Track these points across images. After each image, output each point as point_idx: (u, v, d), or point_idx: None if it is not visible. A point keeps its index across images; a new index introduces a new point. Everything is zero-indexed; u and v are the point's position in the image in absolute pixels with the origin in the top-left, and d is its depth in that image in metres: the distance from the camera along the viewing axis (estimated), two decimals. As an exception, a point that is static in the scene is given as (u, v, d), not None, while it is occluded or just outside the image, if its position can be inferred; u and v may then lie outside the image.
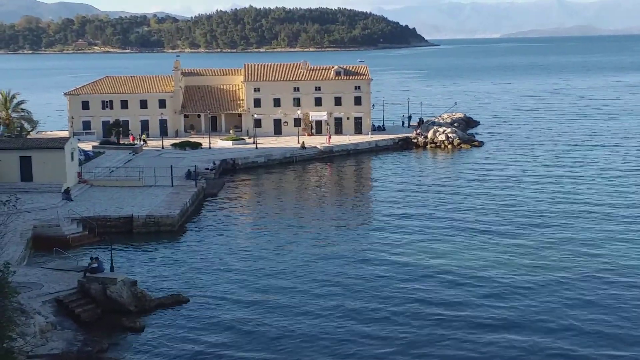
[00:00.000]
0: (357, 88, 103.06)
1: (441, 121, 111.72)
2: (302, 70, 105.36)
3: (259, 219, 61.41)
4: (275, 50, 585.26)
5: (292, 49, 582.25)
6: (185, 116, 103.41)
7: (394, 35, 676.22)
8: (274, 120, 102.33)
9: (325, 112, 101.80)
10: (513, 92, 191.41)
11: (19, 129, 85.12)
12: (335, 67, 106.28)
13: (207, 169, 77.83)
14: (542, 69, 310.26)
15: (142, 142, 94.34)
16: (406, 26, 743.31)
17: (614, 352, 34.10)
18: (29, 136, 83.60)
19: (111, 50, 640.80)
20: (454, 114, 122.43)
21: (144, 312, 39.57)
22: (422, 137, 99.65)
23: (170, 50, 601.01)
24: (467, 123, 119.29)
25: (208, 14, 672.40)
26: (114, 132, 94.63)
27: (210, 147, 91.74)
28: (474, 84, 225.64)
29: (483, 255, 48.62)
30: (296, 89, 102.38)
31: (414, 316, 38.37)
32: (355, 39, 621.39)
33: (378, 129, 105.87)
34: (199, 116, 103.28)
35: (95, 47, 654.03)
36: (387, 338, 35.82)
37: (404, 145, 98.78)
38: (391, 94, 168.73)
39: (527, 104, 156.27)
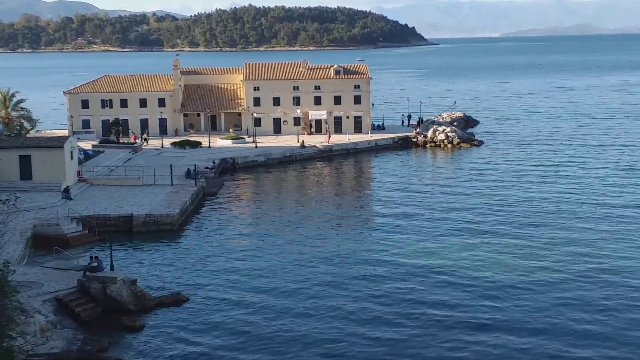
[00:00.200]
0: (357, 87, 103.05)
1: (441, 120, 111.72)
2: (301, 69, 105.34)
3: (259, 218, 61.40)
4: (274, 49, 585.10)
5: (292, 48, 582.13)
6: (185, 115, 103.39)
7: (393, 34, 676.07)
8: (274, 119, 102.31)
9: (325, 111, 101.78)
10: (512, 91, 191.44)
11: (18, 127, 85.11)
12: (335, 66, 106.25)
13: (206, 168, 77.81)
14: (541, 68, 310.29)
15: (143, 141, 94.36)
16: (405, 25, 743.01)
17: (610, 353, 33.96)
18: (28, 135, 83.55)
19: (110, 49, 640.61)
20: (453, 113, 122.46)
21: (144, 311, 39.56)
22: (422, 136, 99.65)
23: (169, 49, 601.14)
24: (467, 122, 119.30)
25: (207, 12, 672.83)
26: (113, 131, 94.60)
27: (209, 146, 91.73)
28: (473, 83, 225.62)
29: (482, 255, 48.50)
30: (296, 88, 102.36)
31: (413, 317, 38.26)
32: (355, 37, 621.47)
33: (377, 128, 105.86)
34: (198, 115, 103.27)
35: (95, 46, 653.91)
36: (388, 339, 35.70)
37: (404, 145, 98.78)
38: (390, 93, 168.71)
39: (527, 103, 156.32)
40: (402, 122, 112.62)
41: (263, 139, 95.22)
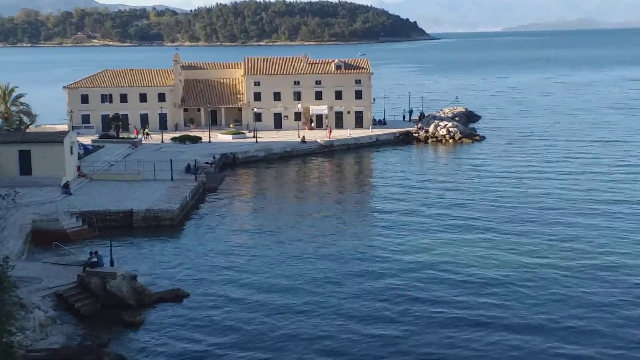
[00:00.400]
0: (358, 82, 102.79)
1: (442, 115, 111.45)
2: (302, 63, 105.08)
3: (259, 213, 61.26)
4: (275, 43, 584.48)
5: (293, 43, 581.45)
6: (185, 110, 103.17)
7: (395, 29, 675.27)
8: (274, 114, 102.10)
9: (326, 106, 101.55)
10: (514, 86, 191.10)
11: (18, 122, 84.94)
12: (336, 60, 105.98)
13: (207, 163, 77.64)
14: (543, 62, 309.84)
15: (144, 136, 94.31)
16: (407, 20, 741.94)
17: (609, 351, 33.77)
18: (28, 130, 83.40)
19: (110, 43, 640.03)
20: (455, 108, 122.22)
21: (144, 306, 39.49)
22: (423, 131, 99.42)
23: (169, 44, 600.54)
24: (468, 117, 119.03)
25: (208, 7, 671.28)
26: (113, 126, 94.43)
27: (210, 141, 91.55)
28: (475, 78, 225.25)
29: (482, 252, 48.21)
30: (296, 83, 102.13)
31: (413, 314, 38.02)
32: (356, 32, 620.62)
33: (379, 123, 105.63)
34: (198, 110, 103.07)
35: (95, 41, 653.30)
36: (389, 336, 35.50)
37: (405, 140, 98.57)
38: (392, 88, 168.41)
39: (528, 98, 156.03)
40: (404, 117, 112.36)
41: (263, 134, 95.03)
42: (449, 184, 70.93)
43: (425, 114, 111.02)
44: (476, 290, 41.32)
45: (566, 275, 43.42)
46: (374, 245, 50.56)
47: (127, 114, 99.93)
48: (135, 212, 56.37)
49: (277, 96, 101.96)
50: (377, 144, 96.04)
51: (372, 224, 56.89)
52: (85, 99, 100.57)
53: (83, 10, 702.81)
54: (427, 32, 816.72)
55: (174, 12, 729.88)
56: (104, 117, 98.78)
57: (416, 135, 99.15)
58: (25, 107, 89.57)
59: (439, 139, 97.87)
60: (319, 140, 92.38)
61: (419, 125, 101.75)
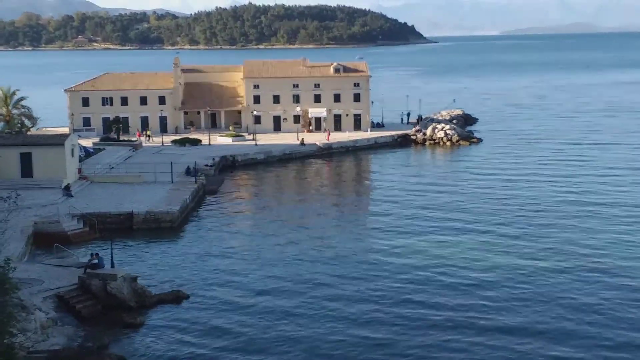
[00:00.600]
0: (356, 85, 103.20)
1: (440, 118, 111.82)
2: (301, 67, 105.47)
3: (259, 216, 61.53)
4: (274, 47, 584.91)
5: (292, 46, 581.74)
6: (185, 113, 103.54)
7: (393, 32, 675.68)
8: (274, 116, 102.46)
9: (325, 109, 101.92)
10: (511, 89, 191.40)
11: (19, 125, 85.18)
12: (335, 64, 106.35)
13: (206, 165, 77.94)
14: (540, 66, 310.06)
15: (147, 138, 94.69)
16: (405, 23, 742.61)
17: (609, 355, 33.94)
18: (29, 133, 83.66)
19: (111, 46, 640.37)
20: (452, 110, 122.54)
21: (144, 308, 39.72)
22: (421, 134, 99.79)
23: (170, 47, 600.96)
24: (466, 120, 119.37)
25: (207, 10, 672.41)
26: (114, 129, 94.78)
27: (209, 144, 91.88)
28: (472, 80, 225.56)
29: (479, 255, 48.12)
30: (295, 86, 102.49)
31: (411, 318, 37.95)
32: (355, 35, 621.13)
33: (377, 125, 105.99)
34: (198, 113, 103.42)
35: (95, 44, 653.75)
36: (387, 341, 35.54)
37: (403, 142, 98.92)
38: (390, 91, 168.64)
39: (526, 101, 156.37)
40: (402, 119, 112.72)
41: (263, 136, 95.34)
42: (446, 186, 71.17)
43: (423, 117, 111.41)
44: (472, 293, 41.38)
45: (562, 279, 43.46)
46: (372, 248, 50.64)
47: (127, 117, 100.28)
48: (135, 214, 56.68)
49: (276, 99, 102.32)
50: (376, 146, 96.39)
51: (370, 227, 57.04)
52: (86, 101, 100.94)
53: (84, 14, 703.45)
54: (425, 35, 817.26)
55: (174, 16, 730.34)
56: (105, 120, 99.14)
57: (414, 137, 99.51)
58: (27, 110, 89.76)
59: (436, 141, 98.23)
60: (317, 143, 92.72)
61: (417, 127, 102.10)
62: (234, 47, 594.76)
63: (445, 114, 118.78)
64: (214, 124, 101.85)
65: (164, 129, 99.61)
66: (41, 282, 40.92)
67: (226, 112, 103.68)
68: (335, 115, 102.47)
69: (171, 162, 70.76)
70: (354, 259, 47.96)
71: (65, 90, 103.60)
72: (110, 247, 44.23)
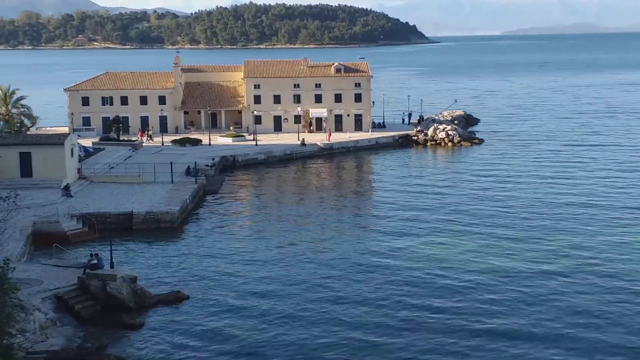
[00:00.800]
0: (357, 85, 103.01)
1: (441, 118, 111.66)
2: (302, 67, 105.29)
3: (259, 216, 61.37)
4: (275, 46, 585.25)
5: (292, 46, 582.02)
6: (185, 112, 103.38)
7: (395, 32, 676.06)
8: (274, 117, 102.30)
9: (326, 109, 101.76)
10: (513, 89, 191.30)
11: (18, 124, 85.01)
12: (336, 64, 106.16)
13: (207, 165, 77.79)
14: (542, 66, 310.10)
15: (148, 138, 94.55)
16: (407, 23, 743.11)
17: (610, 359, 33.78)
18: (28, 132, 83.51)
19: (111, 46, 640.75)
20: (454, 111, 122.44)
21: (144, 308, 39.60)
22: (422, 134, 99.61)
23: (170, 47, 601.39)
24: (467, 120, 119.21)
25: (208, 10, 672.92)
26: (113, 129, 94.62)
27: (210, 144, 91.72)
28: (474, 81, 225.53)
29: (482, 259, 47.67)
30: (296, 86, 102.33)
31: (412, 322, 37.60)
32: (356, 35, 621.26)
33: (378, 126, 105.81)
34: (199, 112, 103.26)
35: (95, 43, 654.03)
36: (388, 345, 35.25)
37: (404, 143, 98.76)
38: (391, 91, 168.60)
39: (528, 102, 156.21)
40: (403, 120, 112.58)
41: (263, 136, 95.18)
42: (447, 187, 70.98)
43: (425, 117, 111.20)
44: (472, 296, 41.02)
45: (562, 282, 43.15)
46: (373, 250, 50.23)
47: (127, 117, 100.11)
48: (135, 214, 56.52)
49: (277, 99, 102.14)
50: (377, 147, 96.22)
51: (371, 229, 56.72)
52: (85, 101, 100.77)
53: (84, 13, 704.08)
54: (426, 35, 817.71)
55: (174, 15, 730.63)
56: (105, 120, 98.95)
57: (415, 138, 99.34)
58: (26, 110, 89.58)
59: (438, 142, 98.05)
60: (318, 143, 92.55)
61: (418, 128, 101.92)
62: (234, 46, 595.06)
63: (446, 114, 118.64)
64: (214, 124, 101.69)
65: (164, 129, 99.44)
66: (40, 282, 40.79)
67: (227, 112, 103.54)
68: (336, 116, 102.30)
69: (171, 162, 70.63)
70: (354, 261, 47.71)
71: (64, 90, 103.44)
72: (110, 248, 44.10)
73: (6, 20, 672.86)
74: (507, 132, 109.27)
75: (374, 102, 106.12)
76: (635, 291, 41.85)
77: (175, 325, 37.64)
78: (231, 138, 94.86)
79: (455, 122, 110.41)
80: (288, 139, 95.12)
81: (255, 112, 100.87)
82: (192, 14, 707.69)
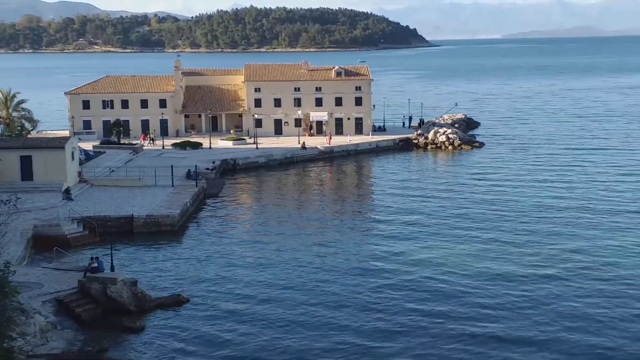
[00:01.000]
0: (358, 88, 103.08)
1: (442, 122, 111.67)
2: (302, 70, 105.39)
3: (260, 220, 61.38)
4: (276, 50, 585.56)
5: (293, 49, 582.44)
6: (186, 116, 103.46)
7: (395, 36, 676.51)
8: (275, 120, 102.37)
9: (326, 113, 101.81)
10: (514, 93, 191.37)
11: (19, 128, 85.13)
12: (336, 67, 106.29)
13: (207, 169, 77.83)
14: (542, 69, 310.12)
15: (150, 141, 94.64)
16: (407, 26, 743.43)
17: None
18: (29, 135, 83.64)
19: (112, 49, 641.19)
20: (454, 114, 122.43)
21: (144, 312, 39.60)
22: (423, 137, 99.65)
23: (171, 50, 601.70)
24: (468, 124, 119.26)
25: (209, 13, 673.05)
26: (114, 132, 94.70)
27: (210, 147, 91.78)
28: (474, 84, 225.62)
29: (481, 263, 47.46)
30: (297, 89, 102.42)
31: (415, 327, 37.45)
32: (356, 39, 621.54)
33: (379, 129, 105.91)
34: (199, 116, 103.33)
35: (96, 47, 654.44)
36: (390, 352, 35.19)
37: (405, 146, 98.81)
38: (392, 95, 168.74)
39: (528, 105, 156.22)
40: (403, 123, 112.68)
41: (264, 140, 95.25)
42: (448, 191, 70.91)
43: (425, 121, 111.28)
44: (471, 301, 40.72)
45: (562, 286, 42.99)
46: (373, 254, 50.04)
47: (128, 120, 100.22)
48: (135, 217, 56.56)
49: (277, 102, 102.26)
50: (377, 150, 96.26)
51: (371, 233, 56.51)
52: (86, 104, 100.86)
53: (85, 16, 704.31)
54: (427, 39, 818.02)
55: (175, 19, 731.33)
56: (105, 123, 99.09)
57: (416, 141, 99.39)
58: (27, 113, 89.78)
59: (438, 145, 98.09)
60: (319, 147, 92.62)
61: (419, 131, 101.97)
62: (235, 50, 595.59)
63: (447, 117, 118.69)
64: (214, 127, 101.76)
65: (164, 132, 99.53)
66: (41, 285, 40.79)
67: (227, 115, 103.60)
68: (336, 119, 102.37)
69: (172, 166, 70.68)
70: (354, 266, 47.56)
71: (65, 93, 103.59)
72: (110, 251, 44.15)
73: (7, 24, 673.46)
74: (507, 136, 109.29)
75: (374, 106, 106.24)
76: (633, 295, 41.74)
77: (176, 328, 37.65)
78: (232, 141, 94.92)
79: (456, 125, 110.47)
80: (288, 142, 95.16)
81: (256, 116, 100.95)
82: (192, 17, 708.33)
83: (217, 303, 40.99)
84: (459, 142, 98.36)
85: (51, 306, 38.42)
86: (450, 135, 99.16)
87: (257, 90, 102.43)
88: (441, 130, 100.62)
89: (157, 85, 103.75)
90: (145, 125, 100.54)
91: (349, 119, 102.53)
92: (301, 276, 45.54)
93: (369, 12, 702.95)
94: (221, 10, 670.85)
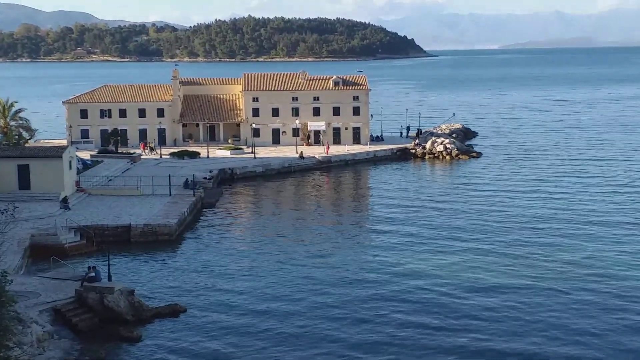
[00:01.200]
0: (356, 98, 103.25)
1: (439, 132, 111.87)
2: (300, 80, 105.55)
3: (257, 229, 61.33)
4: (273, 59, 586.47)
5: (291, 59, 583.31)
6: (184, 125, 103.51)
7: (393, 46, 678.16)
8: (273, 129, 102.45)
9: (324, 122, 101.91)
10: (511, 103, 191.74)
11: (17, 137, 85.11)
12: (334, 77, 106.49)
13: (205, 178, 77.83)
14: (540, 80, 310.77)
15: (149, 150, 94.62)
16: (405, 37, 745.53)
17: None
18: (27, 145, 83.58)
19: (110, 59, 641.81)
20: (452, 124, 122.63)
21: (141, 321, 39.51)
22: (421, 147, 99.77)
23: (169, 59, 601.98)
24: (466, 134, 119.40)
25: (207, 23, 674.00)
26: (112, 141, 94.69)
27: (208, 157, 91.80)
28: (472, 94, 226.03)
29: (478, 274, 47.30)
30: (295, 99, 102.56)
31: (411, 340, 37.36)
32: (354, 49, 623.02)
33: (376, 139, 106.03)
34: (197, 125, 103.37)
35: (94, 56, 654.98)
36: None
37: (402, 156, 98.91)
38: (389, 105, 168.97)
39: (525, 116, 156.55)
40: (401, 133, 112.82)
41: (262, 149, 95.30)
42: (445, 201, 70.82)
43: (423, 131, 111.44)
44: (470, 315, 40.43)
45: (560, 298, 42.77)
46: (371, 266, 49.50)
47: (126, 129, 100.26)
48: (133, 227, 56.50)
49: (275, 112, 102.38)
50: (375, 160, 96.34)
51: (368, 244, 56.25)
52: (84, 114, 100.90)
53: (83, 25, 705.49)
54: (425, 49, 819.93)
55: (173, 28, 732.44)
56: (103, 132, 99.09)
57: (413, 151, 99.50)
58: (25, 122, 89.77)
59: (436, 155, 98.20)
60: (316, 156, 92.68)
61: (416, 141, 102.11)
62: (233, 59, 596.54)
63: (444, 127, 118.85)
64: (212, 137, 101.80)
65: (162, 142, 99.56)
66: (37, 295, 40.70)
67: (225, 124, 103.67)
68: (334, 129, 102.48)
69: (169, 175, 70.68)
70: (352, 277, 47.24)
71: (63, 102, 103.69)
72: (108, 260, 44.06)
73: (5, 33, 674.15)
74: (505, 146, 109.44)
75: (372, 115, 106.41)
76: (629, 308, 41.53)
77: (173, 338, 37.57)
78: (229, 151, 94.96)
79: (453, 135, 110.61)
80: (286, 151, 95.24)
81: (254, 125, 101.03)
82: (191, 27, 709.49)
83: (214, 312, 40.93)
84: (457, 152, 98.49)
85: (48, 315, 38.34)
86: (447, 145, 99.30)
87: (255, 99, 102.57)
88: (439, 140, 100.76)
89: (155, 95, 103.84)
90: (142, 134, 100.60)
91: (346, 128, 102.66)
92: (297, 285, 45.47)
93: (367, 22, 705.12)
94: (219, 19, 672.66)
